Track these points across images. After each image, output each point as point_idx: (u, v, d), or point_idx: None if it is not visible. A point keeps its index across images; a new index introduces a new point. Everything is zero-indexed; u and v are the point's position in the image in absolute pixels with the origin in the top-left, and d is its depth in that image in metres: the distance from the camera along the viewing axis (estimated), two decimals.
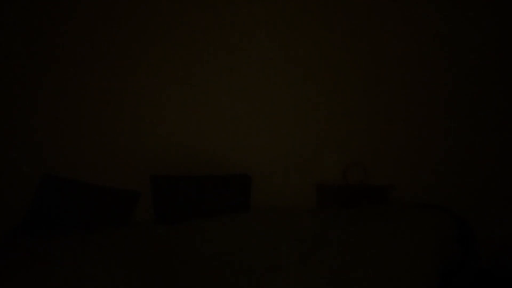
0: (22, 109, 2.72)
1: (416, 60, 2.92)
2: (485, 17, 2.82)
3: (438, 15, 2.88)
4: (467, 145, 2.82)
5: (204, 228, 2.05)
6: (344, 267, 1.55)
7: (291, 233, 1.93)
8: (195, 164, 2.81)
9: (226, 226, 2.06)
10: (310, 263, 1.60)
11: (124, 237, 2.01)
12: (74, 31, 2.78)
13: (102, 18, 2.81)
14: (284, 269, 1.57)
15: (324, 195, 2.87)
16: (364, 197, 2.78)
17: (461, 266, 2.08)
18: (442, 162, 2.85)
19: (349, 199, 2.79)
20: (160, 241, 1.95)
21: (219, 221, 2.13)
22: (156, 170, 2.70)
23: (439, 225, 1.97)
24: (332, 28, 2.97)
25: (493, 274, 2.54)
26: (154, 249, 1.85)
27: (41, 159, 2.66)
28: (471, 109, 2.83)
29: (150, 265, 1.70)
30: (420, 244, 1.72)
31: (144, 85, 2.84)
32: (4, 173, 2.64)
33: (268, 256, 1.72)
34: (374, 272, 1.52)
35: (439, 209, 2.22)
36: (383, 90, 2.95)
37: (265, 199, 2.80)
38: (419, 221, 1.97)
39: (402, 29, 2.92)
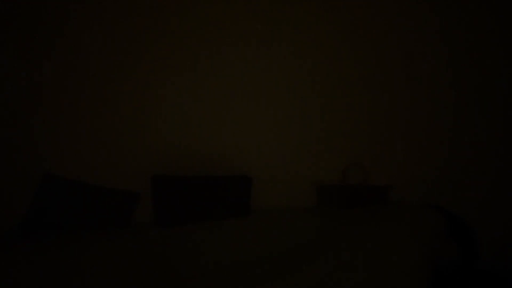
0: (22, 109, 2.72)
1: (416, 61, 2.92)
2: (487, 16, 2.82)
3: (440, 16, 2.88)
4: (467, 145, 2.82)
5: (203, 235, 2.05)
6: (330, 279, 1.55)
7: (283, 243, 1.92)
8: (196, 166, 2.81)
9: (223, 234, 2.05)
10: (294, 277, 1.59)
11: (124, 240, 2.00)
12: (74, 30, 2.78)
13: (102, 17, 2.81)
14: (272, 283, 1.56)
15: (324, 195, 2.87)
16: (364, 197, 2.78)
17: (459, 263, 2.08)
18: (442, 162, 2.85)
19: (349, 199, 2.79)
20: (159, 246, 1.95)
21: (217, 229, 2.12)
22: (156, 171, 2.70)
23: (428, 222, 1.97)
24: (332, 29, 2.97)
25: (493, 274, 2.54)
26: (153, 254, 1.84)
27: (41, 159, 2.66)
28: (471, 108, 2.83)
29: (148, 270, 1.69)
30: (409, 247, 1.72)
31: (144, 85, 2.84)
32: (4, 173, 2.64)
33: (259, 269, 1.71)
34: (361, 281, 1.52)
35: (430, 208, 2.22)
36: (384, 91, 2.95)
37: (266, 200, 2.80)
38: (408, 221, 1.98)
39: (403, 29, 2.92)
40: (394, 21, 2.93)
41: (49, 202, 2.39)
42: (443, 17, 2.88)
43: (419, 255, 1.67)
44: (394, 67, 2.93)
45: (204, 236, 2.03)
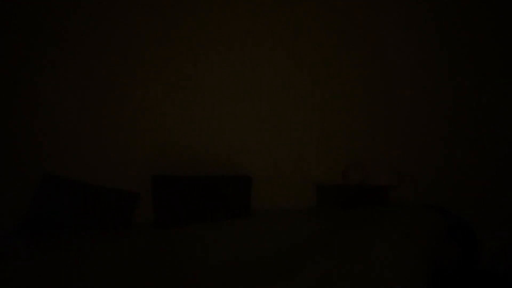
0: (22, 109, 2.72)
1: (417, 60, 2.92)
2: (487, 16, 2.82)
3: (440, 15, 2.88)
4: (467, 145, 2.82)
5: (204, 236, 2.05)
6: (330, 278, 1.55)
7: (283, 244, 1.92)
8: (196, 166, 2.81)
9: (223, 234, 2.06)
10: (294, 278, 1.58)
11: (124, 240, 2.00)
12: (74, 30, 2.78)
13: (103, 17, 2.81)
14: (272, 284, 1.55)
15: (324, 195, 2.87)
16: (364, 197, 2.78)
17: (459, 263, 2.08)
18: (442, 162, 2.85)
19: (349, 199, 2.79)
20: (159, 246, 1.95)
21: (217, 229, 2.13)
22: (156, 171, 2.70)
23: (428, 223, 1.97)
24: (332, 28, 2.97)
25: (493, 274, 2.54)
26: (153, 255, 1.84)
27: (41, 159, 2.66)
28: (471, 108, 2.83)
29: (148, 270, 1.70)
30: (408, 250, 1.71)
31: (145, 85, 2.84)
32: (4, 173, 2.64)
33: (259, 269, 1.70)
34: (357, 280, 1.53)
35: (430, 208, 2.22)
36: (384, 90, 2.95)
37: (266, 200, 2.80)
38: (407, 221, 1.97)
39: (403, 28, 2.92)
40: (393, 21, 2.93)
41: (49, 202, 2.39)
42: (442, 17, 2.88)
43: (417, 256, 1.67)
44: (394, 67, 2.93)
45: (204, 236, 2.03)
